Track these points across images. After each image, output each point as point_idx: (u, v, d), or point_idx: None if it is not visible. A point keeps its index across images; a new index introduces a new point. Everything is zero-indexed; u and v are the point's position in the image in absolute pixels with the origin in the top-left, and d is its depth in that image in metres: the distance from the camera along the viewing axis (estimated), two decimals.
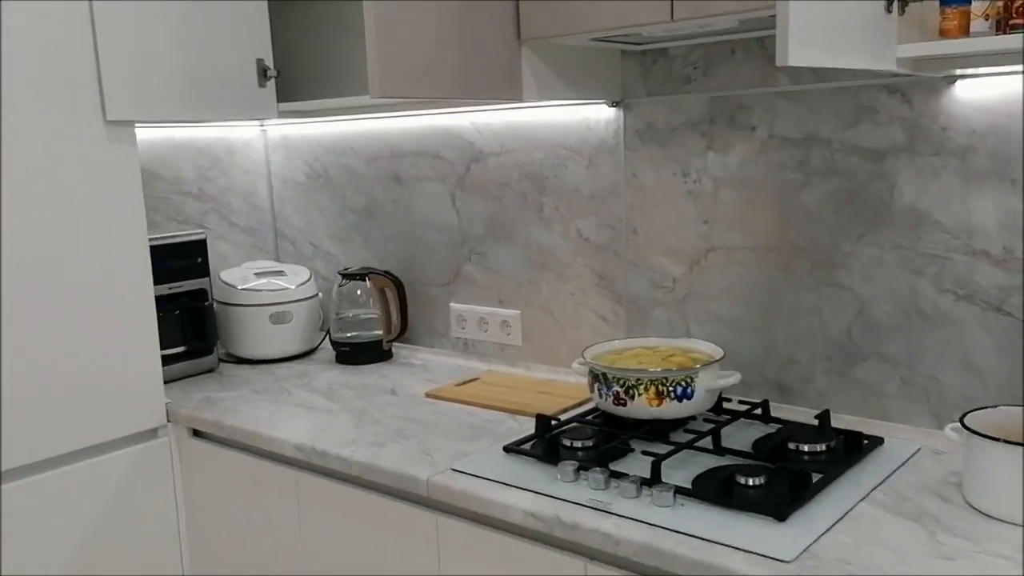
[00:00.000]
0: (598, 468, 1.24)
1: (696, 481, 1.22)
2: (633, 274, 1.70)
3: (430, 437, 1.50)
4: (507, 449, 1.38)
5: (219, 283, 2.11)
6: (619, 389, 1.38)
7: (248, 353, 2.08)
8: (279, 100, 1.88)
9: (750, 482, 1.17)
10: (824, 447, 1.30)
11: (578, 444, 1.36)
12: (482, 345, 1.98)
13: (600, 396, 1.42)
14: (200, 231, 2.01)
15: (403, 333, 2.04)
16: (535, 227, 1.84)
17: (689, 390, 1.36)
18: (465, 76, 1.33)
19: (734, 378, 1.39)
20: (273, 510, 1.63)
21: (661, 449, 1.31)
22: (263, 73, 1.86)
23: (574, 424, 1.47)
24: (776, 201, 1.50)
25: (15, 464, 1.58)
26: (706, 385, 1.38)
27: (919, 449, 1.34)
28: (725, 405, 1.51)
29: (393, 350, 2.11)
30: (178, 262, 1.97)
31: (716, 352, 1.46)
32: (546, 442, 1.36)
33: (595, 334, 1.78)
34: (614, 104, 1.67)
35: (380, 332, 2.05)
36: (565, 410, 1.60)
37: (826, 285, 1.46)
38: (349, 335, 2.07)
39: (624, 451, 1.34)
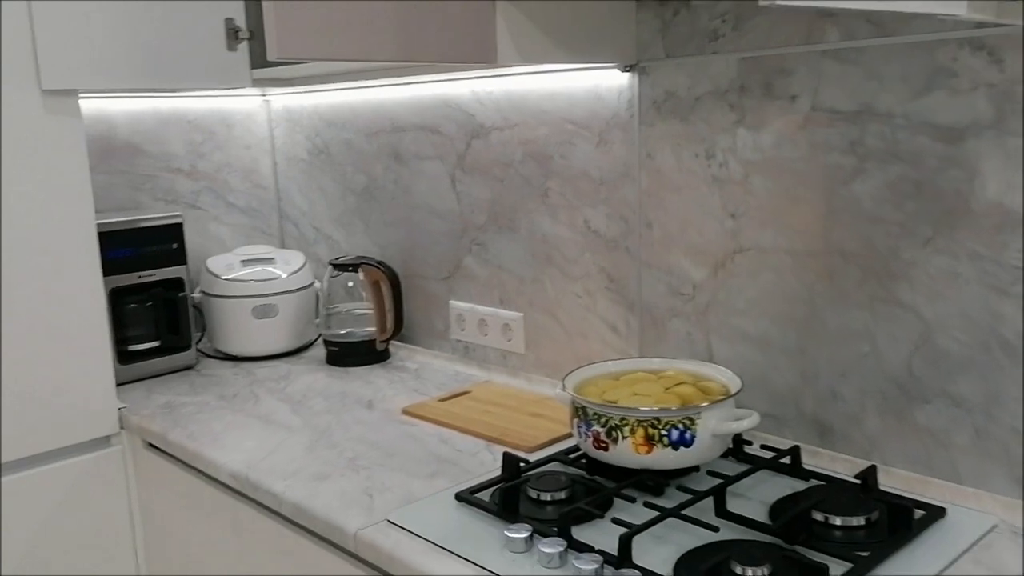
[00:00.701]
0: (557, 537, 0.96)
1: (679, 566, 0.92)
2: (647, 276, 1.40)
3: (383, 471, 1.25)
4: (459, 497, 1.11)
5: (204, 271, 1.90)
6: (599, 429, 1.09)
7: (230, 349, 1.88)
8: (254, 66, 1.64)
9: (748, 574, 0.87)
10: (863, 520, 0.98)
11: (546, 496, 1.08)
12: (482, 350, 1.72)
13: (579, 435, 1.13)
14: (176, 214, 1.80)
15: (397, 332, 1.79)
16: (539, 215, 1.55)
17: (688, 435, 1.06)
18: (408, 31, 1.05)
19: (749, 421, 1.08)
20: (216, 536, 1.41)
21: (640, 515, 1.01)
22: (233, 34, 1.62)
23: (548, 468, 1.19)
24: (820, 192, 1.17)
25: None
26: (712, 429, 1.07)
27: (995, 526, 1.01)
28: (747, 449, 1.20)
29: (391, 350, 1.87)
30: (151, 248, 1.77)
31: (732, 384, 1.15)
32: (508, 491, 1.08)
33: (604, 346, 1.49)
34: (627, 68, 1.36)
35: (373, 330, 1.81)
36: (554, 441, 1.32)
37: (881, 302, 1.13)
38: (342, 332, 1.83)
39: (603, 507, 1.06)
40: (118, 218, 1.73)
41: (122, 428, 1.60)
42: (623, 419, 1.07)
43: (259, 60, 1.65)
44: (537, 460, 1.21)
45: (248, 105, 2.11)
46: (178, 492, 1.49)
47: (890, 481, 1.14)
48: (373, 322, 1.81)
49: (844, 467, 1.18)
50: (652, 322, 1.41)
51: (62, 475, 1.54)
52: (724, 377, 1.18)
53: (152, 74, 1.53)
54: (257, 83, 1.71)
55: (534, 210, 1.56)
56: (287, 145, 2.12)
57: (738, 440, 1.20)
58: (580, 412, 1.12)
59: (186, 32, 1.56)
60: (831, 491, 1.06)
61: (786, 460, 1.15)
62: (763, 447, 1.21)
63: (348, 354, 1.81)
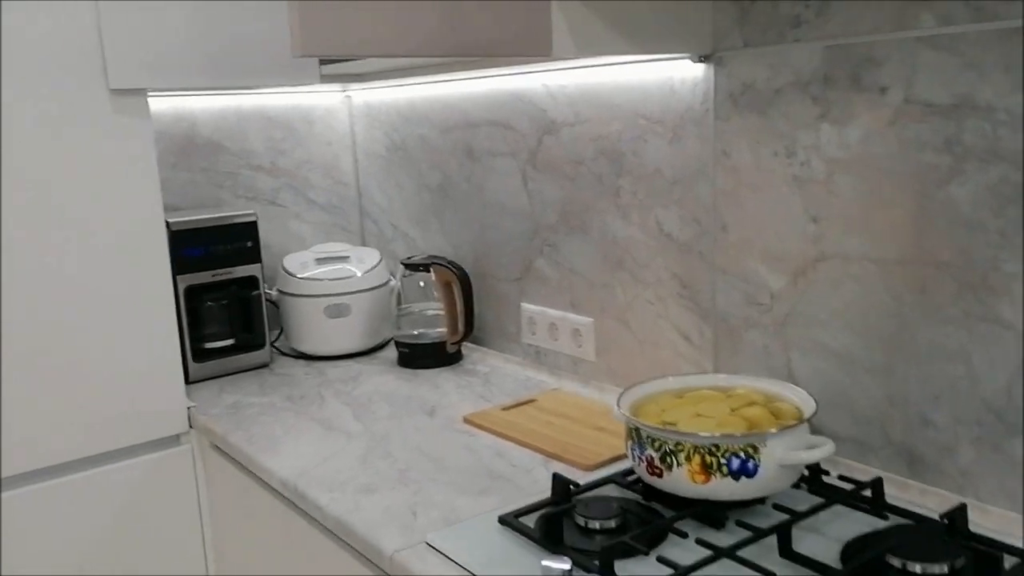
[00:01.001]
0: (598, 572, 0.88)
1: None
2: (722, 283, 1.30)
3: (432, 486, 1.20)
4: (503, 521, 1.04)
5: (281, 269, 1.90)
6: (653, 453, 1.01)
7: (304, 348, 1.87)
8: (323, 61, 1.61)
9: None
10: (946, 568, 0.86)
11: (594, 524, 1.00)
12: (554, 356, 1.64)
13: (633, 459, 1.05)
14: (250, 212, 1.80)
15: (468, 334, 1.74)
16: (611, 215, 1.47)
17: (751, 464, 0.96)
18: (450, 24, 0.99)
19: (821, 451, 0.97)
20: (273, 543, 1.40)
21: (691, 553, 0.92)
22: None
23: (601, 492, 1.11)
24: (912, 194, 1.04)
25: (16, 471, 1.44)
26: (779, 458, 0.97)
27: None
28: (824, 478, 1.09)
29: (463, 352, 1.82)
30: (225, 246, 1.77)
31: (806, 407, 1.04)
32: (553, 516, 1.01)
33: (677, 356, 1.39)
34: (702, 59, 1.26)
35: (444, 332, 1.76)
36: (615, 459, 1.24)
37: (979, 319, 0.99)
38: (413, 333, 1.80)
39: (654, 541, 0.97)
40: (192, 216, 1.75)
41: (191, 427, 1.60)
42: (678, 444, 0.98)
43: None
44: (592, 481, 1.13)
45: (329, 101, 2.10)
46: (240, 495, 1.48)
47: (984, 521, 1.01)
48: (444, 323, 1.76)
49: (934, 501, 1.05)
50: (727, 332, 1.30)
51: (131, 473, 1.55)
52: (798, 398, 1.07)
53: (219, 72, 1.53)
54: (326, 79, 1.69)
55: (605, 210, 1.47)
56: (367, 141, 2.10)
57: (814, 468, 1.08)
58: (633, 434, 1.04)
59: (253, 29, 1.55)
60: (913, 532, 0.94)
61: (867, 493, 1.04)
62: (841, 478, 1.10)
63: (419, 356, 1.77)
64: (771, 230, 1.21)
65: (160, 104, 1.89)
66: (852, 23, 1.07)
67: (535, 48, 1.08)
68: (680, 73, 1.31)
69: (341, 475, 1.26)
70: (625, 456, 1.23)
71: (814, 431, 1.18)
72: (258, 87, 1.74)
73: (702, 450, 0.97)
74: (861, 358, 1.12)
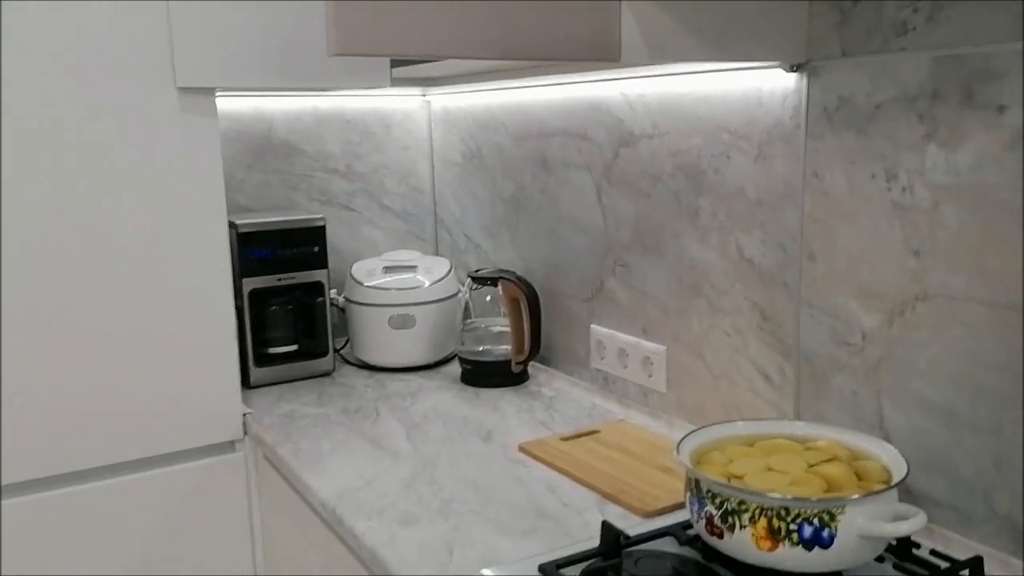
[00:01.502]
0: None
1: None
2: (808, 319, 1.17)
3: (475, 521, 1.11)
4: (543, 570, 0.95)
5: (349, 276, 1.85)
6: (713, 510, 0.89)
7: (368, 358, 1.82)
8: (394, 64, 1.56)
9: None
10: None
11: None
12: (623, 384, 1.54)
13: (692, 513, 0.94)
14: (318, 216, 1.75)
15: (535, 354, 1.64)
16: (688, 237, 1.35)
17: (825, 534, 0.84)
18: (507, 24, 0.90)
19: (910, 524, 0.84)
20: (315, 562, 1.34)
21: None
22: None
23: (656, 545, 1.00)
24: None
25: (70, 469, 1.43)
26: (859, 528, 0.84)
27: None
28: (914, 551, 0.95)
29: (530, 372, 1.73)
30: (292, 250, 1.74)
31: (895, 468, 0.90)
32: (599, 571, 0.91)
33: (754, 395, 1.27)
34: (794, 68, 1.14)
35: (509, 349, 1.68)
36: (677, 506, 1.13)
37: None
38: (478, 349, 1.72)
39: None
40: (260, 219, 1.71)
41: (246, 434, 1.57)
42: (742, 503, 0.87)
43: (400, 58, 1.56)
44: (647, 532, 1.02)
45: (408, 105, 2.05)
46: (289, 508, 1.43)
47: None
48: (510, 341, 1.68)
49: None
50: (811, 374, 1.17)
51: (184, 477, 1.53)
52: (888, 457, 0.94)
53: (288, 73, 1.49)
54: (398, 82, 1.63)
55: (682, 231, 1.36)
56: (444, 148, 2.03)
57: (904, 539, 0.95)
58: (693, 485, 0.93)
59: (323, 29, 1.50)
60: None
61: (964, 574, 0.89)
62: (934, 553, 0.95)
63: (482, 374, 1.69)
64: (865, 262, 1.08)
65: (239, 104, 1.87)
66: (967, 31, 0.93)
67: (602, 52, 0.98)
68: (769, 84, 1.18)
69: (382, 500, 1.19)
70: None
71: (905, 495, 1.04)
72: (328, 89, 1.69)
73: (770, 512, 0.85)
74: (965, 414, 0.98)
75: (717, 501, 0.89)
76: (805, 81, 1.13)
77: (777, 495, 0.86)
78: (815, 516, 0.84)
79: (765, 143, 1.20)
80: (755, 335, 1.26)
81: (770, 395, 1.24)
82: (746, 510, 0.86)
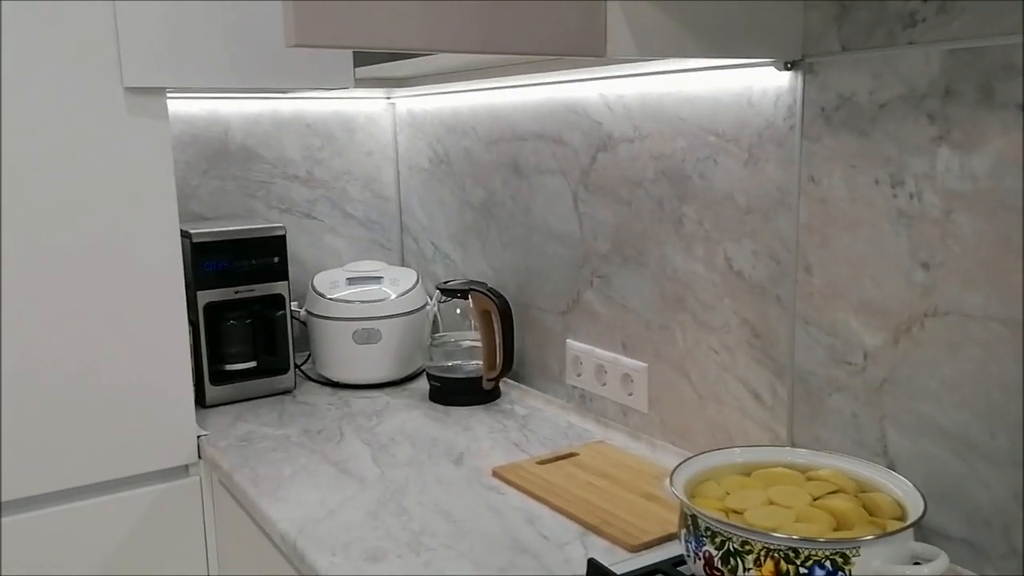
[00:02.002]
0: None
1: None
2: (803, 336, 1.08)
3: (447, 556, 1.02)
4: None
5: (310, 288, 1.75)
6: (713, 551, 0.80)
7: (331, 375, 1.71)
8: (358, 63, 1.46)
9: None
10: None
11: None
12: (600, 402, 1.45)
13: (688, 552, 0.85)
14: (278, 225, 1.65)
15: (507, 370, 1.55)
16: (671, 246, 1.27)
17: None
18: (486, 15, 0.81)
19: (931, 568, 0.75)
20: None
21: None
22: None
23: None
24: None
25: (15, 496, 1.31)
26: (875, 570, 0.76)
27: None
28: None
29: (501, 389, 1.64)
30: (249, 261, 1.62)
31: (911, 504, 0.82)
32: None
33: (743, 417, 1.18)
34: (788, 66, 1.06)
35: (480, 365, 1.58)
36: (667, 538, 1.04)
37: None
38: (447, 364, 1.62)
39: None
40: (216, 228, 1.60)
41: (200, 458, 1.45)
42: (746, 544, 0.78)
43: (364, 57, 1.47)
44: (636, 570, 0.93)
45: (372, 108, 1.95)
46: (247, 536, 1.32)
47: None
48: (481, 356, 1.58)
49: None
50: (806, 395, 1.09)
51: (135, 505, 1.41)
52: (901, 491, 0.86)
53: (244, 72, 1.38)
54: (363, 83, 1.53)
55: (665, 240, 1.28)
56: (410, 153, 1.94)
57: None
58: (689, 522, 0.84)
59: (282, 24, 1.40)
60: None
61: None
62: None
63: (451, 391, 1.59)
64: (868, 275, 1.00)
65: (193, 107, 1.76)
66: (985, 21, 0.85)
67: (586, 47, 0.90)
68: (761, 82, 1.10)
69: (347, 533, 1.08)
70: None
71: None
72: (287, 90, 1.59)
73: (777, 554, 0.77)
74: (980, 442, 0.90)
75: (717, 541, 0.80)
76: (800, 79, 1.05)
77: (783, 535, 0.77)
78: (827, 559, 0.76)
79: (756, 146, 1.12)
80: (745, 352, 1.17)
81: (761, 417, 1.16)
82: (750, 551, 0.78)
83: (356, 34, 0.73)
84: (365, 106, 1.94)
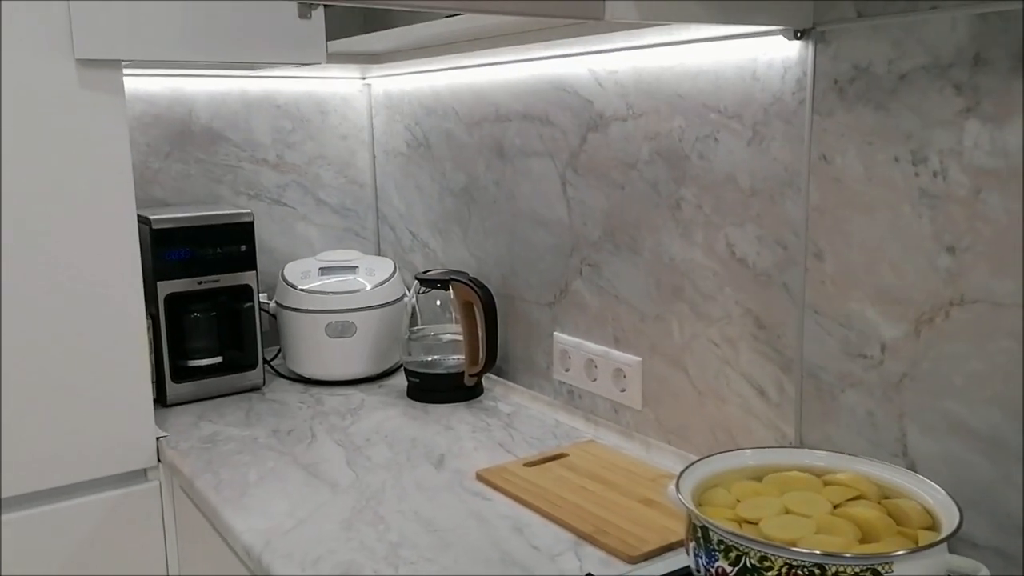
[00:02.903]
0: None
1: None
2: (813, 327, 1.01)
3: (429, 571, 0.93)
4: None
5: (280, 279, 1.65)
6: (727, 567, 0.72)
7: (302, 370, 1.61)
8: (330, 36, 1.36)
9: None
10: None
11: None
12: (590, 399, 1.36)
13: (698, 567, 0.76)
14: (245, 211, 1.55)
15: (490, 365, 1.46)
16: (668, 232, 1.18)
17: None
18: None
19: None
20: None
21: None
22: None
23: None
24: None
25: None
26: None
27: None
28: None
29: (483, 385, 1.55)
30: (215, 250, 1.52)
31: (944, 513, 0.74)
32: None
33: (746, 415, 1.10)
34: (799, 35, 0.97)
35: (462, 360, 1.49)
36: (667, 548, 0.96)
37: None
38: (427, 359, 1.53)
39: None
40: (179, 214, 1.50)
41: (160, 461, 1.35)
42: (765, 559, 0.70)
43: (338, 30, 1.37)
44: None
45: (346, 89, 1.85)
46: (208, 548, 1.23)
47: None
48: (463, 350, 1.49)
49: None
50: (816, 391, 1.01)
51: (91, 512, 1.31)
52: (931, 498, 0.78)
53: (207, 45, 1.28)
54: (336, 58, 1.43)
55: (661, 226, 1.19)
56: (386, 136, 1.84)
57: None
58: (699, 534, 0.75)
59: None
60: None
61: None
62: None
63: (431, 388, 1.50)
64: (886, 261, 0.92)
65: (155, 85, 1.65)
66: None
67: (582, 9, 0.81)
68: (767, 54, 1.02)
69: (318, 546, 0.99)
70: (683, 544, 0.95)
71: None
72: (255, 64, 1.49)
73: (800, 571, 0.68)
74: (1011, 442, 0.82)
75: (732, 556, 0.72)
76: (811, 50, 0.97)
77: (806, 550, 0.69)
78: (856, 574, 0.68)
79: (761, 123, 1.04)
80: (748, 345, 1.09)
81: (766, 414, 1.08)
82: (770, 567, 0.70)
83: None
84: (339, 87, 1.84)
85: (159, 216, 1.48)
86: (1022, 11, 0.78)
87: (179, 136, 1.69)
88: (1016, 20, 0.78)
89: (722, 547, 0.73)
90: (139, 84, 1.63)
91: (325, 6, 1.33)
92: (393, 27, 1.22)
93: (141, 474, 1.36)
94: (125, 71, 1.48)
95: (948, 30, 0.84)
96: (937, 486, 0.78)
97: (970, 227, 0.84)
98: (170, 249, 1.48)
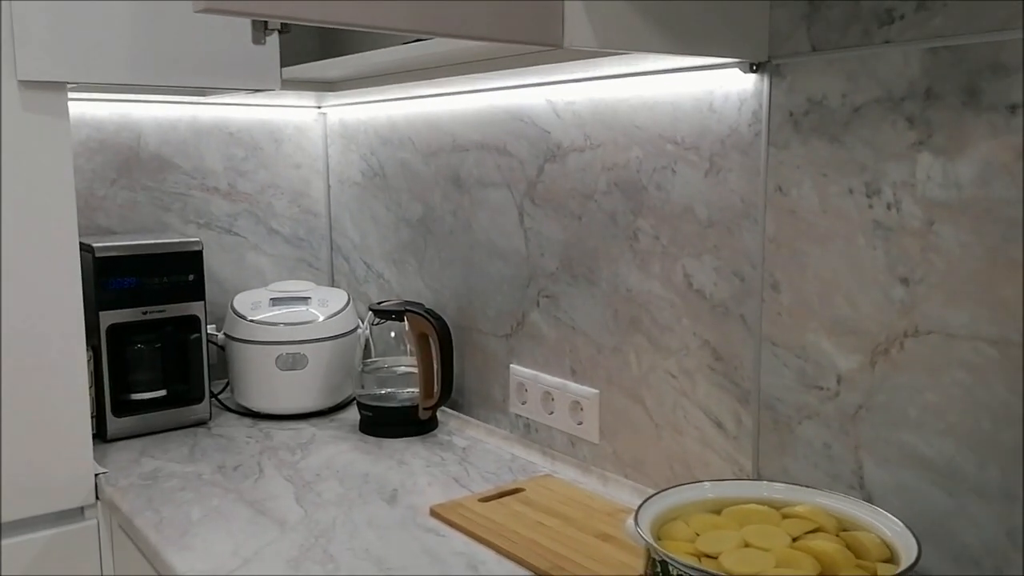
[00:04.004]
0: None
1: None
2: (770, 358, 1.00)
3: None
4: None
5: (230, 310, 1.60)
6: None
7: (251, 404, 1.57)
8: (285, 63, 1.34)
9: None
10: None
11: None
12: (547, 432, 1.34)
13: None
14: (194, 240, 1.51)
15: (446, 398, 1.44)
16: (625, 264, 1.18)
17: None
18: None
19: None
20: None
21: None
22: (262, 25, 1.32)
23: None
24: None
25: None
26: None
27: None
28: None
29: (438, 419, 1.52)
30: (160, 279, 1.48)
31: (902, 546, 0.74)
32: None
33: (704, 447, 1.09)
34: (754, 68, 0.98)
35: (416, 393, 1.46)
36: None
37: None
38: (380, 392, 1.50)
39: None
40: (123, 242, 1.46)
41: (98, 499, 1.30)
42: None
43: (293, 57, 1.35)
44: None
45: (300, 118, 1.83)
46: None
47: None
48: (417, 383, 1.46)
49: None
50: (773, 423, 1.00)
51: (23, 552, 1.25)
52: (889, 530, 0.77)
53: (156, 68, 1.25)
54: (290, 85, 1.41)
55: (618, 257, 1.19)
56: (341, 166, 1.82)
57: None
58: (658, 569, 0.74)
59: (201, 19, 1.27)
60: None
61: None
62: None
63: (384, 422, 1.47)
64: (841, 292, 0.92)
65: (102, 110, 1.62)
66: (969, 17, 0.79)
67: (542, 34, 0.80)
68: (723, 86, 1.03)
69: None
70: None
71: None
72: (206, 90, 1.46)
73: None
74: (968, 474, 0.82)
75: None
76: (767, 82, 0.98)
77: None
78: None
79: (718, 154, 1.04)
80: (705, 377, 1.08)
81: (724, 447, 1.07)
82: None
83: (279, 4, 0.62)
84: (294, 115, 1.82)
85: (103, 244, 1.44)
86: (972, 46, 0.79)
87: (126, 163, 1.65)
88: (965, 55, 0.80)
89: None
90: (85, 108, 1.59)
91: (279, 32, 1.31)
92: (350, 54, 1.20)
93: (78, 512, 1.30)
94: (70, 95, 1.45)
95: (901, 64, 0.85)
96: (895, 518, 0.77)
97: (923, 259, 0.84)
98: (113, 278, 1.44)
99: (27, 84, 1.18)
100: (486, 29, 0.77)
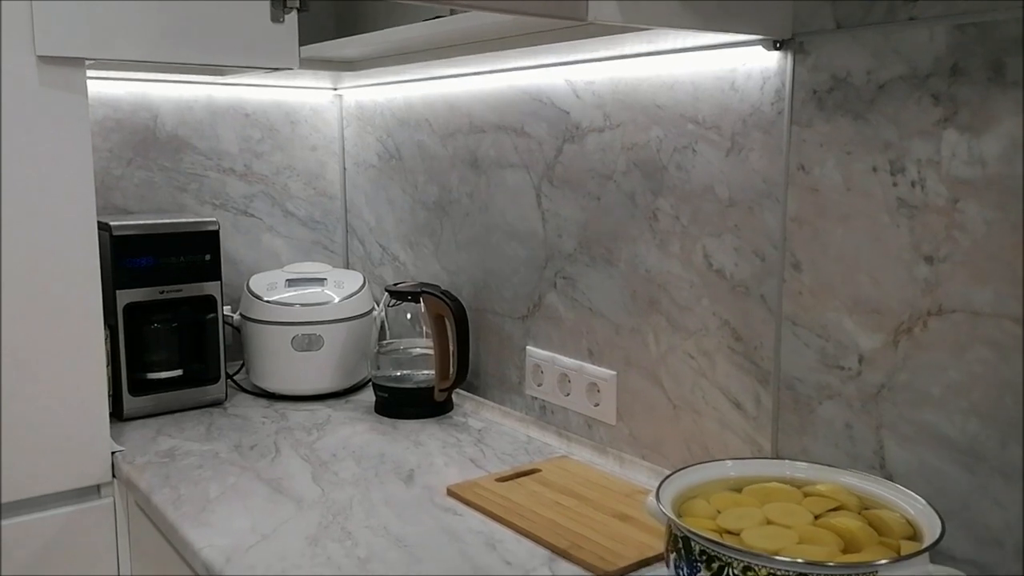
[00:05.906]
0: None
1: None
2: (791, 338, 1.00)
3: None
4: None
5: (246, 291, 1.61)
6: None
7: (267, 385, 1.57)
8: (303, 41, 1.33)
9: None
10: None
11: None
12: (563, 414, 1.34)
13: (678, 575, 0.74)
14: (211, 220, 1.51)
15: (461, 380, 1.44)
16: (644, 244, 1.17)
17: None
18: None
19: None
20: None
21: None
22: (280, 2, 1.32)
23: None
24: None
25: None
26: None
27: None
28: None
29: (454, 400, 1.52)
30: (178, 258, 1.48)
31: (925, 523, 0.73)
32: None
33: (723, 428, 1.09)
34: (777, 45, 0.97)
35: (432, 375, 1.46)
36: (644, 563, 0.94)
37: None
38: (396, 374, 1.50)
39: None
40: (141, 221, 1.46)
41: (115, 477, 1.30)
42: (748, 569, 0.68)
43: (310, 36, 1.35)
44: None
45: (317, 99, 1.83)
46: (165, 568, 1.18)
47: None
48: (433, 365, 1.46)
49: None
50: (793, 403, 1.00)
51: (40, 530, 1.25)
52: (911, 508, 0.77)
53: (173, 45, 1.25)
54: (308, 64, 1.41)
55: (637, 237, 1.18)
56: (357, 148, 1.82)
57: None
58: (680, 545, 0.73)
59: None
60: None
61: None
62: None
63: (400, 403, 1.47)
64: (864, 271, 0.92)
65: (119, 89, 1.62)
66: None
67: (565, 9, 0.80)
68: (745, 64, 1.02)
69: (281, 563, 0.95)
70: (660, 559, 0.93)
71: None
72: (223, 69, 1.46)
73: None
74: (991, 453, 0.82)
75: (715, 566, 0.70)
76: (790, 60, 0.97)
77: (787, 558, 0.68)
78: None
79: (740, 133, 1.03)
80: (725, 358, 1.08)
81: (743, 428, 1.07)
82: None
83: None
84: (310, 97, 1.81)
85: (120, 223, 1.44)
86: (998, 22, 0.78)
87: (143, 143, 1.65)
88: (991, 31, 0.79)
89: (704, 557, 0.71)
90: (102, 88, 1.60)
91: (298, 10, 1.30)
92: (363, 31, 1.20)
93: (94, 490, 1.31)
94: (88, 73, 1.45)
95: (926, 41, 0.84)
96: (917, 496, 0.77)
97: (948, 237, 0.84)
98: (131, 257, 1.44)
99: (46, 60, 1.18)
100: (510, 4, 0.76)
